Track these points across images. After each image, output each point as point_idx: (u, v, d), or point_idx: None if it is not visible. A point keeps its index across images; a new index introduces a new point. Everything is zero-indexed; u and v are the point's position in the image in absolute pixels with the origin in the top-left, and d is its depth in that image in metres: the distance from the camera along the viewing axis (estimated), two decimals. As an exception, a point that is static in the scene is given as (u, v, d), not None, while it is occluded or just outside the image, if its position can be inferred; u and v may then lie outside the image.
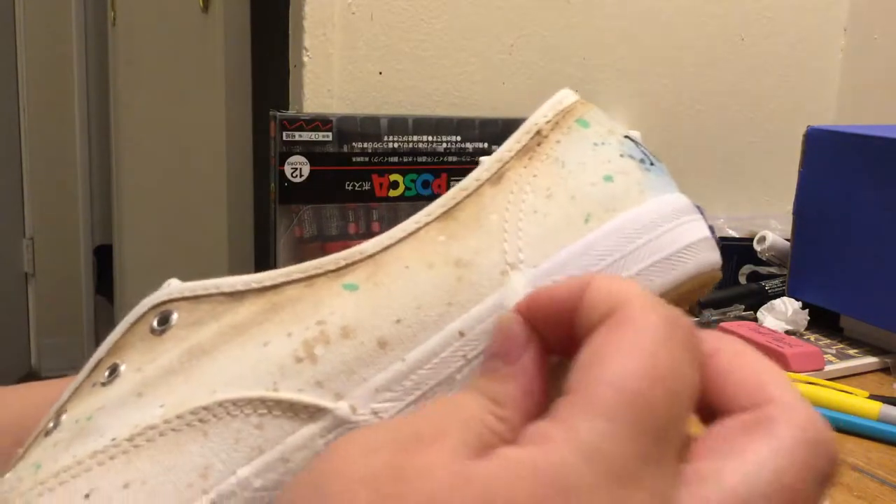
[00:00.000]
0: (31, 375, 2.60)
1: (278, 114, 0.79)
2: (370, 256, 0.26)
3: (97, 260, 2.58)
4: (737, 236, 0.93)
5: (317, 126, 0.79)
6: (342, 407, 0.23)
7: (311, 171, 0.80)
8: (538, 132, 0.28)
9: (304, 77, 0.86)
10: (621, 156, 0.27)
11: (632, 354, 0.19)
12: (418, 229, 0.26)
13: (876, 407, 0.56)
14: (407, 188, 0.83)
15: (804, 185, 0.75)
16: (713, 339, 0.22)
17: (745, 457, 0.19)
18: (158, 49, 1.68)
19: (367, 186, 0.82)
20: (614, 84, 1.04)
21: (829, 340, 0.72)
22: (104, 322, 2.57)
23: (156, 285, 0.28)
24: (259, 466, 0.22)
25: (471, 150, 0.86)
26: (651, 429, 0.18)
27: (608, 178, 0.26)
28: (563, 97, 0.29)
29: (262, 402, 0.23)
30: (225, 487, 0.22)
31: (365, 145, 0.81)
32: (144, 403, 0.24)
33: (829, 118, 1.20)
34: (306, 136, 0.79)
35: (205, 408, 0.23)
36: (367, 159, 0.82)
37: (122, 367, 0.25)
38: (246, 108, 1.23)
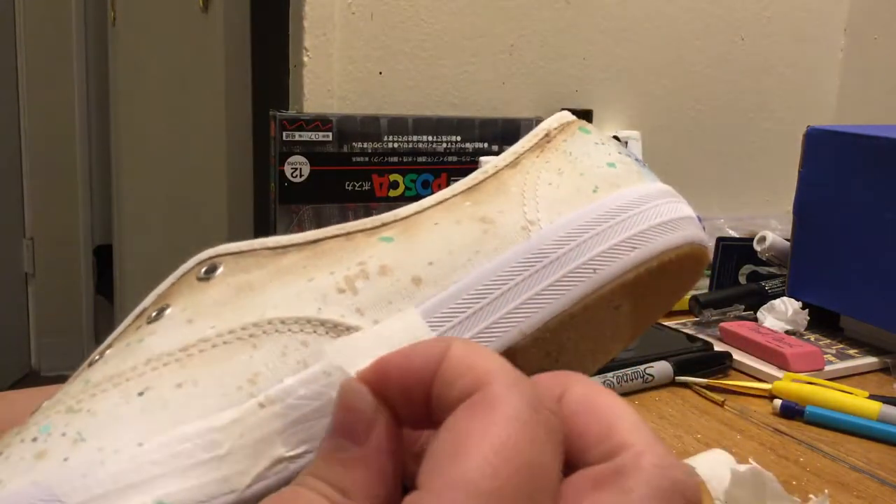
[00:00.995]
0: (31, 375, 2.60)
1: (278, 114, 0.79)
2: (403, 218, 0.29)
3: (97, 260, 2.58)
4: (737, 236, 0.93)
5: (317, 126, 0.80)
6: None
7: (311, 171, 0.80)
8: (547, 134, 0.31)
9: (304, 77, 0.86)
10: (619, 153, 0.31)
11: (489, 447, 0.17)
12: (445, 199, 0.29)
13: (876, 407, 0.56)
14: (407, 188, 0.83)
15: (804, 185, 0.75)
16: (557, 382, 0.20)
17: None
18: (158, 49, 1.68)
19: (367, 186, 0.82)
20: (614, 84, 1.04)
21: (829, 340, 0.72)
22: (104, 322, 2.57)
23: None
24: (304, 377, 0.24)
25: (471, 150, 0.86)
26: None
27: (611, 165, 0.30)
28: (564, 115, 0.33)
29: (308, 321, 0.25)
30: (272, 392, 0.24)
31: (365, 145, 0.81)
32: (196, 326, 0.26)
33: (829, 118, 1.20)
34: (306, 136, 0.79)
35: (255, 324, 0.25)
36: (367, 159, 0.82)
37: (169, 309, 0.27)
38: (246, 108, 1.23)
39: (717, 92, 1.11)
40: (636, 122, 1.06)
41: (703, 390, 0.60)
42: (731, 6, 1.09)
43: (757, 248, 0.81)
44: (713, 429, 0.54)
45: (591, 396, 0.20)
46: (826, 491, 0.46)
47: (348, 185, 0.81)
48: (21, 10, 2.41)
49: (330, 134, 0.80)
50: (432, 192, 0.91)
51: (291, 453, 0.23)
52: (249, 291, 0.26)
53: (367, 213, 0.83)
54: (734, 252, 0.84)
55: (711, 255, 0.84)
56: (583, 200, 0.29)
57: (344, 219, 0.82)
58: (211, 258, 0.28)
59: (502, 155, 0.31)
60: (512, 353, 0.27)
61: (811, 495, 0.46)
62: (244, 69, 1.22)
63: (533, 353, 0.28)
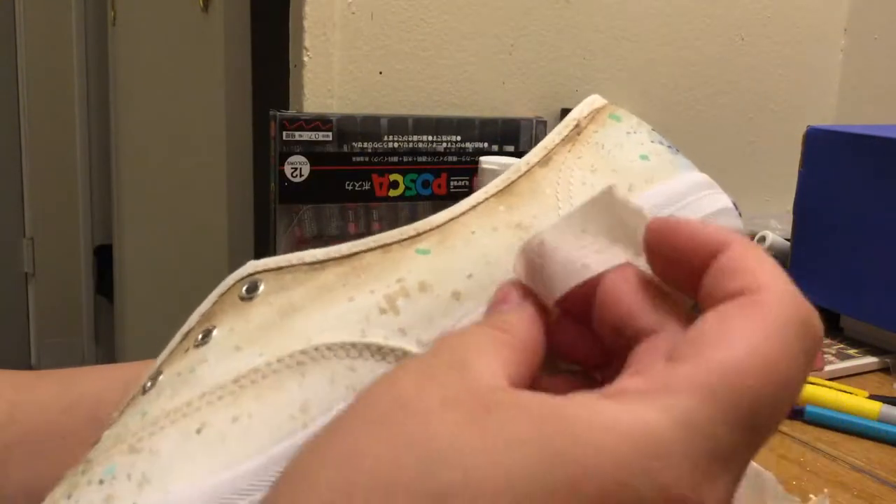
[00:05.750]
0: (31, 375, 2.60)
1: (278, 114, 0.79)
2: (438, 227, 0.28)
3: (97, 260, 2.58)
4: (737, 236, 0.93)
5: (317, 126, 0.80)
6: None
7: (311, 171, 0.80)
8: (577, 125, 0.31)
9: (304, 77, 0.86)
10: (652, 141, 0.31)
11: (755, 349, 0.18)
12: (479, 203, 0.29)
13: (876, 407, 0.56)
14: (407, 188, 0.83)
15: (804, 185, 0.75)
16: (722, 237, 0.21)
17: (735, 336, 0.19)
18: (158, 49, 1.68)
19: (367, 186, 0.82)
20: (614, 84, 1.04)
21: (829, 340, 0.72)
22: (104, 322, 2.57)
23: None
24: None
25: (471, 150, 0.86)
26: (751, 424, 0.18)
27: (644, 157, 0.30)
28: (594, 99, 0.32)
29: (353, 346, 0.25)
30: (323, 421, 0.24)
31: (365, 145, 0.81)
32: (244, 354, 0.26)
33: (829, 118, 1.20)
34: (306, 136, 0.79)
35: (302, 352, 0.25)
36: (367, 159, 0.82)
37: (216, 331, 0.27)
38: (246, 108, 1.23)
39: (717, 92, 1.11)
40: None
41: (703, 390, 0.60)
42: (731, 6, 1.09)
43: (757, 248, 0.81)
44: (713, 429, 0.54)
45: (749, 249, 0.21)
46: (826, 491, 0.46)
47: (348, 185, 0.81)
48: (21, 10, 2.41)
49: (330, 134, 0.80)
50: (432, 192, 0.91)
51: None
52: (292, 313, 0.26)
53: (367, 213, 0.83)
54: (734, 252, 0.84)
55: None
56: None
57: (344, 219, 0.82)
58: (251, 275, 0.28)
59: (533, 150, 0.30)
60: None
61: (811, 495, 0.46)
62: (244, 69, 1.22)
63: None
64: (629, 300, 0.22)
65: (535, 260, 0.23)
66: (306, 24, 0.85)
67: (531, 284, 0.24)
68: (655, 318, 0.22)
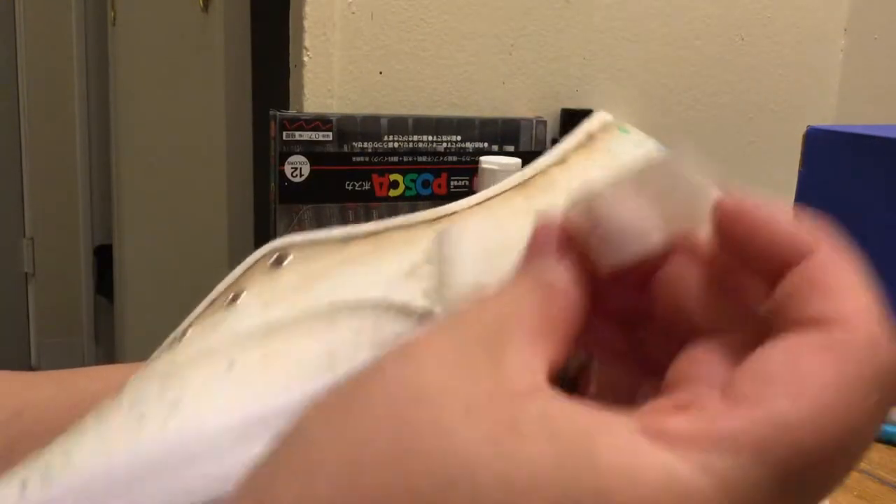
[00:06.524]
0: (31, 375, 2.59)
1: (278, 114, 0.79)
2: (459, 211, 0.30)
3: (97, 260, 2.58)
4: (737, 236, 0.93)
5: (317, 126, 0.80)
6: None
7: (311, 171, 0.80)
8: (590, 136, 0.33)
9: (304, 77, 0.86)
10: (658, 151, 0.33)
11: (825, 405, 0.16)
12: (497, 195, 0.30)
13: (876, 407, 0.55)
14: (407, 188, 0.83)
15: (804, 185, 0.75)
16: (809, 237, 0.19)
17: (805, 384, 0.16)
18: (158, 49, 1.68)
19: (367, 186, 0.82)
20: (614, 84, 1.04)
21: (829, 340, 0.72)
22: (104, 322, 2.57)
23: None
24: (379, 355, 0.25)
25: (471, 150, 0.86)
26: (802, 488, 0.16)
27: None
28: (604, 115, 0.35)
29: (377, 304, 0.26)
30: (348, 369, 0.24)
31: (365, 145, 0.81)
32: (272, 309, 0.27)
33: (829, 118, 1.20)
34: (306, 135, 0.79)
35: (329, 305, 0.26)
36: (367, 159, 0.82)
37: (245, 294, 0.28)
38: (246, 108, 1.23)
39: (717, 92, 1.11)
40: (636, 122, 1.06)
41: (703, 390, 0.60)
42: (731, 6, 1.09)
43: (757, 248, 0.81)
44: (713, 429, 0.54)
45: (839, 262, 0.19)
46: (826, 491, 0.46)
47: (348, 185, 0.81)
48: (21, 10, 2.41)
49: (330, 134, 0.80)
50: (432, 192, 0.91)
51: None
52: (319, 278, 0.27)
53: (368, 213, 0.83)
54: (734, 252, 0.84)
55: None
56: None
57: (344, 219, 0.82)
58: (280, 248, 0.29)
59: (549, 153, 0.32)
60: None
61: (811, 495, 0.46)
62: (244, 69, 1.22)
63: None
64: (692, 294, 0.20)
65: (584, 221, 0.22)
66: (306, 24, 0.85)
67: (581, 243, 0.22)
68: (716, 318, 0.20)
